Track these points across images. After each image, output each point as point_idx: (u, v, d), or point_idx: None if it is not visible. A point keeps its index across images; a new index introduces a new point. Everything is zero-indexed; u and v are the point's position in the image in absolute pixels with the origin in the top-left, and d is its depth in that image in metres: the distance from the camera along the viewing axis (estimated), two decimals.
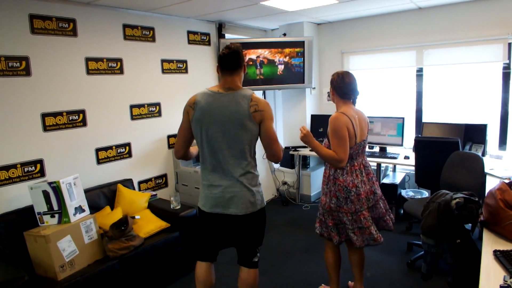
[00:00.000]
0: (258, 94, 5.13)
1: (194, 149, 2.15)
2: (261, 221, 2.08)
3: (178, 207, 3.06)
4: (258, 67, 4.25)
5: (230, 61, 1.94)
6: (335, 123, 2.17)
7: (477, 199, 1.98)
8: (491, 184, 2.51)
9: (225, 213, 1.98)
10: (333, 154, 2.16)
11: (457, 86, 3.98)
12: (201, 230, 2.14)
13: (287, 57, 4.31)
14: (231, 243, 2.14)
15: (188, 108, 1.97)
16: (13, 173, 2.65)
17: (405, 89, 4.32)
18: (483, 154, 3.45)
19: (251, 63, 4.21)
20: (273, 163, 5.05)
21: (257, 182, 2.03)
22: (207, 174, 2.01)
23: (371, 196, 2.26)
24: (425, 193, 3.89)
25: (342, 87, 2.27)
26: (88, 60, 3.08)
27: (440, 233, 1.97)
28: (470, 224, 2.05)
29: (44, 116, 2.82)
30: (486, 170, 2.91)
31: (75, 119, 3.02)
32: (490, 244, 1.80)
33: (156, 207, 3.13)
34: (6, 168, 2.62)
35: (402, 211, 3.93)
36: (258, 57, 4.23)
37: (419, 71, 4.15)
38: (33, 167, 2.77)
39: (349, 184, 2.19)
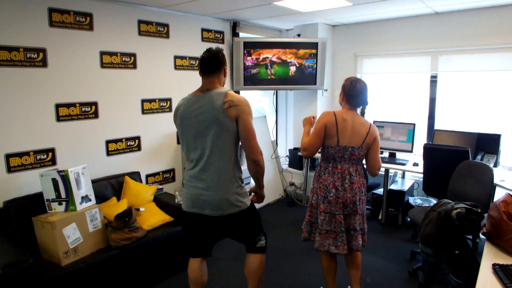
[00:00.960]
0: (269, 93, 5.17)
1: None
2: (244, 219, 2.07)
3: (180, 202, 3.10)
4: (270, 67, 4.26)
5: (209, 64, 1.98)
6: (319, 117, 2.31)
7: (479, 211, 1.94)
8: (499, 196, 2.45)
9: (200, 213, 2.02)
10: (302, 141, 2.33)
11: (472, 94, 3.90)
12: (185, 229, 2.17)
13: (300, 58, 4.31)
14: (223, 237, 2.16)
15: (174, 118, 2.08)
16: (25, 160, 2.76)
17: (418, 95, 4.26)
18: (495, 165, 3.37)
19: (263, 62, 4.23)
20: (281, 164, 5.06)
21: (235, 183, 2.00)
22: (187, 174, 2.06)
23: (350, 205, 2.24)
24: (433, 202, 3.83)
25: (353, 94, 2.27)
26: (102, 53, 3.16)
27: (439, 243, 1.95)
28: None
29: (58, 106, 2.92)
30: (496, 181, 2.85)
31: (88, 110, 3.11)
32: (490, 258, 1.77)
33: (161, 201, 3.19)
34: (20, 155, 2.73)
35: (408, 219, 3.88)
36: (268, 57, 4.23)
37: (434, 77, 4.08)
38: (45, 155, 2.87)
39: (330, 185, 2.24)
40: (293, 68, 4.32)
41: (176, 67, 3.79)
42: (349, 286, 2.73)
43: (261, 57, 4.18)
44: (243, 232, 2.12)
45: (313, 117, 2.47)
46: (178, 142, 3.90)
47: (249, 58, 4.18)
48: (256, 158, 1.98)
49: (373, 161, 2.30)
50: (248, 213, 2.07)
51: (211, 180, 1.96)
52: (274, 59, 4.25)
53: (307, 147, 2.29)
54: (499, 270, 1.60)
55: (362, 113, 2.36)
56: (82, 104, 3.07)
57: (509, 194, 1.89)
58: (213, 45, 4.24)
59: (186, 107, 1.98)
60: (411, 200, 3.91)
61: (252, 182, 2.20)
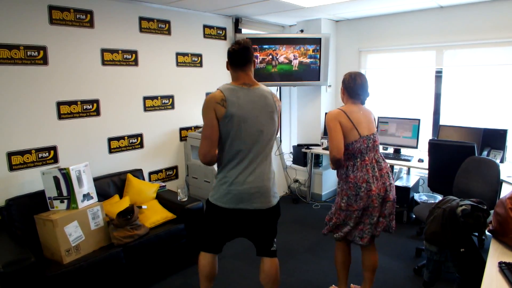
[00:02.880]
0: (273, 89, 5.12)
1: None
2: (278, 213, 2.14)
3: (185, 199, 3.10)
4: (274, 63, 4.22)
5: (242, 56, 1.93)
6: (326, 118, 2.27)
7: (485, 207, 1.90)
8: (506, 192, 2.41)
9: (247, 208, 1.96)
10: (330, 152, 2.22)
11: (477, 89, 3.83)
12: (214, 224, 2.07)
13: (303, 54, 4.26)
14: (249, 235, 2.13)
15: (216, 105, 1.85)
16: (27, 158, 2.76)
17: (423, 90, 4.19)
18: (502, 160, 3.31)
19: (267, 58, 4.19)
20: (285, 161, 5.03)
21: (274, 174, 2.09)
22: (233, 171, 1.93)
23: (382, 193, 2.22)
24: (439, 198, 3.78)
25: (354, 88, 2.28)
26: (103, 51, 3.15)
27: (444, 240, 1.91)
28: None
29: (59, 104, 2.91)
30: (503, 177, 2.79)
31: (89, 108, 3.10)
32: (496, 255, 1.73)
33: (164, 198, 3.18)
34: (21, 153, 2.73)
35: (413, 215, 3.83)
36: (272, 54, 4.20)
37: (439, 72, 4.01)
38: (47, 153, 2.87)
39: (359, 180, 2.20)
40: (296, 64, 4.28)
41: (178, 64, 3.77)
42: (352, 285, 2.71)
43: (264, 53, 4.15)
44: (271, 228, 2.11)
45: None
46: (181, 139, 3.89)
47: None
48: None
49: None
50: (278, 209, 2.12)
51: (263, 173, 1.98)
52: (277, 55, 4.21)
53: (334, 147, 2.17)
54: (505, 268, 1.57)
55: (362, 103, 2.37)
56: (84, 102, 3.06)
57: None
58: (216, 42, 4.29)
59: (239, 98, 1.88)
60: (416, 196, 3.87)
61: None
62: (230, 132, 1.88)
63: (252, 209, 1.97)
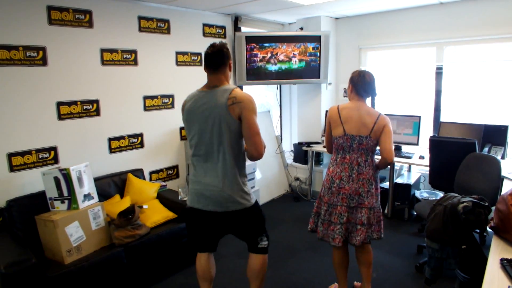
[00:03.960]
0: (273, 88, 5.13)
1: None
2: (247, 217, 2.05)
3: (186, 198, 3.09)
4: (274, 61, 4.21)
5: (214, 59, 1.96)
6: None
7: (486, 204, 1.89)
8: (507, 189, 2.40)
9: (205, 209, 2.01)
10: None
11: (478, 85, 3.81)
12: (189, 225, 2.18)
13: (303, 52, 4.25)
14: (222, 234, 2.16)
15: (182, 112, 2.06)
16: (28, 159, 2.76)
17: (424, 87, 4.18)
18: (503, 157, 3.31)
19: (267, 57, 4.18)
20: (285, 159, 5.02)
21: (239, 180, 1.98)
22: (192, 169, 2.07)
23: (355, 196, 2.21)
24: (440, 195, 3.77)
25: (362, 85, 2.29)
26: (103, 51, 3.15)
27: (445, 237, 1.90)
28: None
29: (59, 104, 2.91)
30: (504, 173, 2.79)
31: (89, 108, 3.10)
32: (497, 252, 1.73)
33: (165, 198, 3.18)
34: (22, 154, 2.73)
35: (415, 213, 3.83)
36: (272, 52, 4.19)
37: (439, 69, 4.00)
38: (48, 154, 2.87)
39: (335, 175, 2.26)
40: (296, 62, 4.27)
41: (178, 63, 3.76)
42: (355, 282, 2.71)
43: (264, 51, 4.14)
44: (245, 230, 2.10)
45: None
46: (182, 139, 3.89)
47: (251, 52, 4.14)
48: (260, 155, 1.94)
49: (382, 147, 2.21)
50: (252, 212, 2.05)
51: (216, 176, 1.95)
52: (277, 53, 4.20)
53: (326, 143, 2.46)
54: (507, 265, 1.57)
55: (372, 104, 2.39)
56: (84, 102, 3.06)
57: None
58: (215, 40, 4.25)
59: (193, 103, 1.97)
60: (417, 193, 3.86)
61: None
62: (186, 132, 2.05)
63: (208, 211, 2.00)
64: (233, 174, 1.95)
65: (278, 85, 4.95)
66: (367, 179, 2.22)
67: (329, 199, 2.27)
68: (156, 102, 3.61)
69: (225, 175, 1.94)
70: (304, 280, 2.84)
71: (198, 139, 1.97)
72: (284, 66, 4.25)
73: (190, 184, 2.08)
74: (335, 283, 2.69)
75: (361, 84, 2.28)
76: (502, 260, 1.61)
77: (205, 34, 4.00)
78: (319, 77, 4.35)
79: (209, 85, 1.98)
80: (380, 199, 2.32)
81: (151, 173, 3.65)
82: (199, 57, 3.95)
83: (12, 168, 2.69)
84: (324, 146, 4.40)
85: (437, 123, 3.95)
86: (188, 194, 2.11)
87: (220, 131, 1.90)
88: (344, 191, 2.21)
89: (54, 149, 2.90)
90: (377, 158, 2.28)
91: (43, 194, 2.56)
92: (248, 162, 2.07)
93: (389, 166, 3.72)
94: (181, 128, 3.86)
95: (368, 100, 2.37)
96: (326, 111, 2.72)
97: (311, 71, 4.33)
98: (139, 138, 3.51)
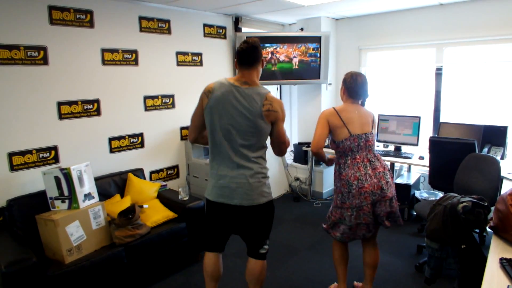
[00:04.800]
0: (273, 88, 5.13)
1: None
2: (268, 213, 2.09)
3: (186, 198, 3.10)
4: (274, 61, 4.22)
5: (248, 55, 1.94)
6: (319, 116, 2.32)
7: (486, 204, 1.90)
8: (507, 189, 2.41)
9: (229, 203, 1.99)
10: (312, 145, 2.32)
11: (478, 86, 3.82)
12: (208, 220, 2.15)
13: (303, 52, 4.26)
14: (237, 233, 2.15)
15: (203, 96, 1.98)
16: (28, 158, 2.76)
17: (424, 87, 4.19)
18: (502, 157, 3.31)
19: (267, 57, 4.19)
20: (285, 159, 5.03)
21: (263, 175, 2.03)
22: (215, 163, 2.02)
23: (377, 191, 2.21)
24: (440, 195, 3.78)
25: (354, 88, 2.31)
26: (104, 51, 3.15)
27: (444, 237, 1.91)
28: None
29: (60, 104, 2.92)
30: (504, 174, 2.79)
31: (90, 108, 3.11)
32: (497, 252, 1.73)
33: (165, 197, 3.19)
34: (22, 153, 2.73)
35: (414, 213, 3.83)
36: (272, 52, 4.20)
37: (439, 70, 4.01)
38: (48, 154, 2.87)
39: (351, 178, 2.23)
40: (297, 62, 4.28)
41: (178, 63, 3.77)
42: (355, 282, 2.71)
43: (265, 52, 4.15)
44: (258, 228, 2.09)
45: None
46: (182, 139, 3.89)
47: None
48: (283, 154, 2.15)
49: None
50: (271, 207, 2.10)
51: (245, 170, 1.96)
52: (277, 53, 4.20)
53: (314, 142, 2.28)
54: (506, 264, 1.57)
55: (362, 104, 2.40)
56: (84, 102, 3.07)
57: None
58: (216, 41, 4.29)
59: (225, 94, 1.92)
60: (417, 194, 3.87)
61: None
62: (208, 124, 1.97)
63: (233, 205, 1.99)
64: (258, 169, 2.00)
65: (278, 86, 4.96)
66: (383, 171, 2.26)
67: (351, 203, 2.23)
68: (157, 102, 3.62)
69: (252, 170, 1.97)
70: (304, 279, 2.85)
71: (225, 133, 1.94)
72: (284, 67, 4.26)
73: (212, 178, 2.04)
74: (335, 283, 2.69)
75: (353, 86, 2.30)
76: (501, 259, 1.62)
77: (205, 35, 4.01)
78: (319, 78, 4.35)
79: (241, 79, 1.95)
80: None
81: (151, 172, 3.65)
82: (199, 57, 3.96)
83: (13, 168, 2.69)
84: (324, 147, 4.41)
85: (437, 124, 3.96)
86: (209, 187, 2.07)
87: (251, 131, 1.92)
88: (365, 189, 2.20)
89: (55, 148, 2.91)
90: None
91: (44, 193, 2.56)
92: None
93: (388, 166, 3.76)
94: (182, 128, 3.87)
95: (360, 101, 2.39)
96: None
97: (311, 72, 4.34)
98: (140, 138, 3.51)
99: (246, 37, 2.00)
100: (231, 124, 1.92)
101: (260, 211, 2.03)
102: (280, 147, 2.07)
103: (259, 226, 2.09)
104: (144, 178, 3.37)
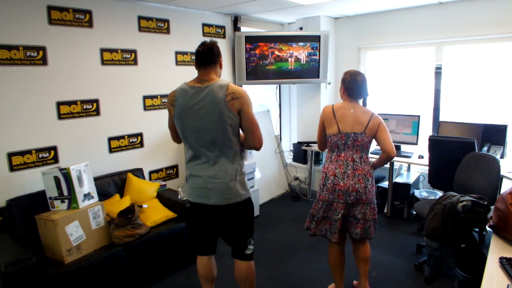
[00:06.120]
0: (272, 87, 5.13)
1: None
2: (246, 212, 2.09)
3: (186, 198, 3.10)
4: (273, 60, 4.22)
5: (205, 57, 1.98)
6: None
7: (485, 203, 1.90)
8: (506, 188, 2.41)
9: (206, 203, 2.01)
10: None
11: (477, 85, 3.82)
12: (189, 222, 2.18)
13: (303, 51, 4.26)
14: (219, 233, 2.16)
15: (169, 106, 2.05)
16: (28, 158, 2.76)
17: (423, 86, 4.19)
18: (502, 156, 3.31)
19: (266, 56, 4.18)
20: (285, 158, 5.03)
21: (239, 172, 2.02)
22: (191, 165, 2.05)
23: (352, 193, 2.22)
24: (439, 194, 3.78)
25: (353, 87, 2.31)
26: (103, 50, 3.15)
27: (444, 236, 1.91)
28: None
29: (59, 104, 2.91)
30: (503, 173, 2.79)
31: (89, 108, 3.10)
32: (497, 251, 1.73)
33: (165, 197, 3.19)
34: (22, 153, 2.73)
35: (414, 212, 3.84)
36: (271, 52, 4.19)
37: (438, 68, 4.01)
38: (47, 154, 2.87)
39: (329, 172, 2.27)
40: (296, 61, 4.27)
41: (178, 63, 3.76)
42: (355, 281, 2.71)
43: (264, 51, 4.14)
44: (238, 228, 2.09)
45: None
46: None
47: (251, 52, 4.14)
48: (261, 146, 2.05)
49: (383, 143, 2.25)
50: (249, 204, 2.09)
51: (218, 169, 1.97)
52: (276, 53, 4.20)
53: (317, 142, 2.48)
54: (506, 264, 1.57)
55: (364, 104, 2.40)
56: (83, 102, 3.06)
57: None
58: (215, 40, 4.25)
59: (187, 99, 1.95)
60: (416, 193, 3.87)
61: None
62: (180, 129, 2.02)
63: (210, 205, 2.00)
64: (234, 166, 1.99)
65: (278, 85, 4.96)
66: (363, 174, 2.25)
67: (324, 197, 2.29)
68: (156, 102, 3.61)
69: (227, 168, 1.97)
70: (303, 279, 2.85)
71: (196, 136, 1.96)
72: (283, 66, 4.26)
73: (189, 180, 2.07)
74: (332, 284, 2.70)
75: (352, 86, 2.30)
76: (501, 258, 1.61)
77: (204, 34, 4.00)
78: (318, 77, 4.35)
79: (199, 78, 1.98)
80: (376, 196, 2.35)
81: (150, 172, 3.65)
82: None
83: (12, 168, 2.69)
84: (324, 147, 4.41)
85: (436, 123, 3.96)
86: (187, 189, 2.09)
87: (220, 126, 1.91)
88: (339, 187, 2.23)
89: (54, 148, 2.90)
90: (373, 157, 2.30)
91: (43, 193, 2.56)
92: (247, 162, 2.07)
93: (387, 165, 3.75)
94: None
95: (360, 100, 2.39)
96: None
97: (310, 71, 4.33)
98: (139, 137, 3.51)
99: (206, 40, 2.03)
100: (200, 125, 1.93)
101: (237, 210, 2.03)
102: (251, 134, 1.96)
103: (238, 225, 2.09)
104: (144, 178, 3.37)
